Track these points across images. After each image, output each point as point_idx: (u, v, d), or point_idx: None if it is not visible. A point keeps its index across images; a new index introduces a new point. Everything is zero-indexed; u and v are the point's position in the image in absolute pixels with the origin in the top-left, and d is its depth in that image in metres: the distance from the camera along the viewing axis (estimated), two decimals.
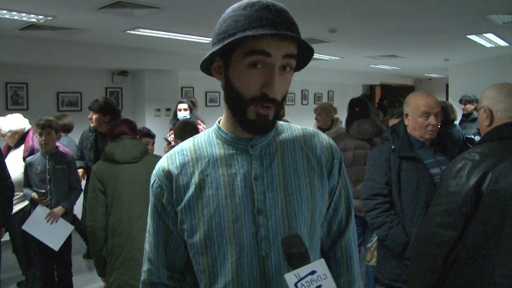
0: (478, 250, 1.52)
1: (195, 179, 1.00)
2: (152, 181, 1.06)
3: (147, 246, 1.09)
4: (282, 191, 1.00)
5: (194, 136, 1.09)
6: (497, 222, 1.49)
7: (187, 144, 1.06)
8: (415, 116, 2.16)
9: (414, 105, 2.19)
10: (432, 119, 2.13)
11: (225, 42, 0.91)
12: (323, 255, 1.09)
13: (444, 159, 2.21)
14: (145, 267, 1.09)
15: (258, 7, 0.92)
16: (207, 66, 1.01)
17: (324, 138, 1.10)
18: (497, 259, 1.49)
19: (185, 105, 4.97)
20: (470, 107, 5.32)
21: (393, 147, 2.20)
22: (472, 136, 4.10)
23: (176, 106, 5.10)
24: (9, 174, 3.11)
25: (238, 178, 0.99)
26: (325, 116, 4.27)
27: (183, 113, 4.95)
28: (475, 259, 1.53)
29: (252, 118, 0.94)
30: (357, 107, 3.57)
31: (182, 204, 1.00)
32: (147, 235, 1.10)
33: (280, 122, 1.09)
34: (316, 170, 1.04)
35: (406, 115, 2.23)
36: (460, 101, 5.42)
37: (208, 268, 0.99)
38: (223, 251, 0.98)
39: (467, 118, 5.30)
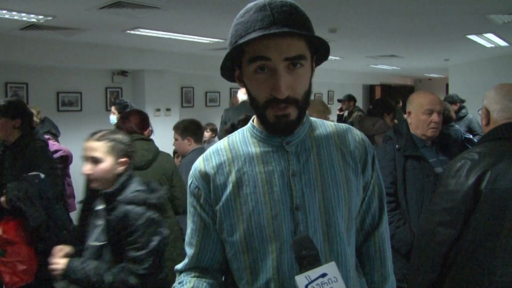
0: (477, 249, 1.53)
1: (232, 177, 1.01)
2: (189, 182, 1.08)
3: (187, 247, 1.10)
4: (319, 187, 1.00)
5: (229, 135, 1.10)
6: (496, 220, 1.50)
7: (222, 144, 1.07)
8: (418, 113, 2.18)
9: (417, 102, 2.21)
10: (435, 116, 2.15)
11: (227, 53, 0.93)
12: (356, 250, 1.10)
13: (445, 158, 2.21)
14: (189, 255, 1.09)
15: (254, 10, 0.92)
16: (223, 74, 1.04)
17: (357, 133, 1.10)
18: (497, 258, 1.50)
19: (113, 108, 4.23)
20: (454, 108, 5.34)
21: (397, 146, 2.20)
22: (471, 137, 4.11)
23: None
24: None
25: (275, 175, 0.99)
26: (316, 116, 4.01)
27: (111, 117, 4.22)
28: (475, 257, 1.53)
29: (271, 121, 0.95)
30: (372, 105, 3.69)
31: (221, 203, 1.01)
32: (186, 237, 1.11)
33: (313, 119, 1.10)
34: (351, 165, 1.04)
35: (409, 113, 2.25)
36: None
37: (250, 265, 1.00)
38: (264, 248, 0.98)
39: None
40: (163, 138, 4.83)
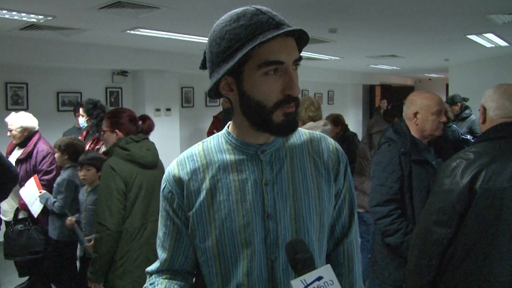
0: (473, 248, 1.54)
1: (206, 184, 1.01)
2: (162, 186, 1.08)
3: (160, 250, 1.11)
4: (291, 196, 1.01)
5: (203, 140, 1.10)
6: (491, 220, 1.50)
7: (197, 149, 1.07)
8: (428, 114, 2.14)
9: (425, 104, 2.15)
10: (443, 117, 2.15)
11: (238, 56, 0.90)
12: (325, 257, 1.10)
13: (441, 160, 2.19)
14: (162, 259, 1.10)
15: (250, 14, 0.92)
16: (214, 89, 1.00)
17: (331, 142, 1.10)
18: (493, 257, 1.50)
19: (81, 110, 3.84)
20: (455, 108, 5.35)
21: (402, 150, 2.13)
22: (468, 137, 4.12)
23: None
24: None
25: (248, 183, 1.00)
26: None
27: (80, 120, 3.90)
28: (471, 257, 1.54)
29: (279, 121, 0.94)
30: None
31: (194, 209, 1.01)
32: (158, 240, 1.11)
33: None
34: (324, 175, 1.05)
35: (415, 114, 2.17)
36: (446, 102, 5.40)
37: (221, 271, 1.01)
38: (235, 255, 0.99)
39: (457, 117, 5.34)
40: (163, 138, 4.84)
